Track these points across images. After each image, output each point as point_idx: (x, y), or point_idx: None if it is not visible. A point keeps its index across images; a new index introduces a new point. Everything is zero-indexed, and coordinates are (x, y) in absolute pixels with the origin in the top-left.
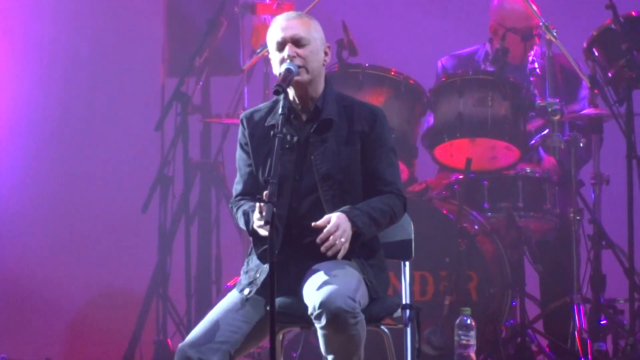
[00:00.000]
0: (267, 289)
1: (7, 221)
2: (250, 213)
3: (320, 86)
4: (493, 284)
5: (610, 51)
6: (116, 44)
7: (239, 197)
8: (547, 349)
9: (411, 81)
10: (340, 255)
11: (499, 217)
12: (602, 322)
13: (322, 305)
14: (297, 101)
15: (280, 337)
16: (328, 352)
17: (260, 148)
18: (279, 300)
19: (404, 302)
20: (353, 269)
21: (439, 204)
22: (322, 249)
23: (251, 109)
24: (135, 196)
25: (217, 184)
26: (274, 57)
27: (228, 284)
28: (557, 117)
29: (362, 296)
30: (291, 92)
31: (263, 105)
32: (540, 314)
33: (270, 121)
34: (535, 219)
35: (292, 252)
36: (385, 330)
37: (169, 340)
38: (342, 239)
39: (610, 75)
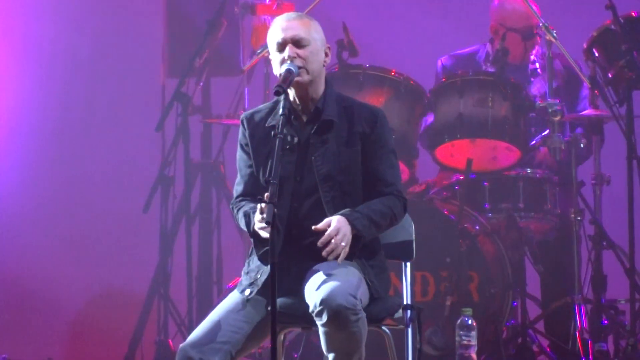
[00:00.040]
0: (268, 290)
1: (7, 221)
2: (251, 214)
3: (321, 87)
4: (494, 284)
5: (610, 52)
6: (116, 45)
7: (240, 198)
8: (548, 349)
9: (411, 82)
10: (340, 259)
11: (500, 218)
12: (603, 323)
13: (323, 302)
14: (298, 102)
15: (282, 337)
16: (329, 350)
17: (261, 149)
18: (280, 301)
19: (405, 303)
20: (354, 269)
21: (440, 205)
22: (324, 253)
23: (251, 110)
24: (136, 197)
25: (218, 185)
26: (275, 57)
27: (229, 285)
28: (557, 118)
29: (363, 294)
30: (291, 92)
31: (263, 106)
32: (541, 315)
33: (270, 122)
34: (536, 219)
35: (293, 252)
36: (387, 330)
37: (170, 340)
38: (343, 243)
39: (610, 76)
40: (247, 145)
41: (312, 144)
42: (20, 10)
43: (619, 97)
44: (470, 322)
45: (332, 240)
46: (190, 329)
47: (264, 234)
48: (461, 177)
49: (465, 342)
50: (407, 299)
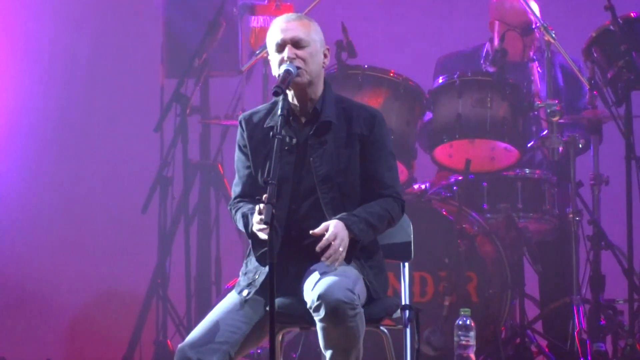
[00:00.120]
0: (266, 290)
1: (6, 221)
2: (249, 215)
3: (319, 88)
4: (492, 284)
5: (609, 52)
6: (115, 45)
7: (238, 199)
8: (547, 350)
9: (410, 82)
10: (337, 264)
11: (499, 218)
12: (601, 323)
13: (321, 297)
14: (296, 103)
15: (280, 337)
16: (327, 346)
17: (259, 150)
18: (278, 301)
19: (403, 303)
20: (352, 268)
21: (439, 205)
22: (322, 258)
23: (250, 111)
24: (135, 197)
25: (217, 185)
26: (273, 58)
27: (228, 285)
28: (556, 118)
29: (361, 291)
30: (290, 93)
31: (262, 107)
32: (539, 315)
33: (269, 123)
34: (535, 219)
35: (291, 253)
36: (385, 330)
37: (168, 341)
38: (340, 248)
39: (609, 76)
40: (245, 146)
41: (310, 145)
42: (20, 10)
43: (617, 98)
44: (468, 322)
45: (331, 246)
46: (188, 330)
47: (263, 235)
48: (460, 178)
49: (463, 342)
50: (405, 300)
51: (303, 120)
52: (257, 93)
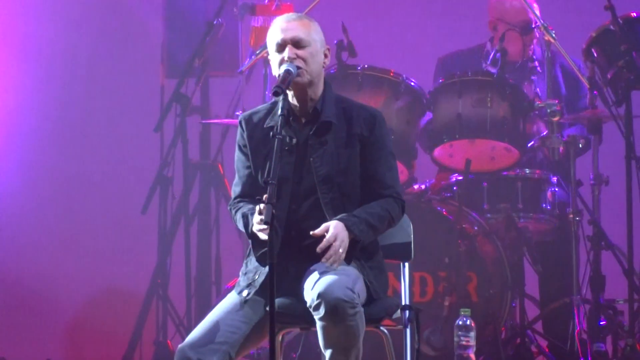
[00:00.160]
0: (266, 290)
1: (6, 221)
2: (249, 215)
3: (320, 88)
4: (493, 284)
5: (609, 52)
6: (115, 45)
7: (238, 199)
8: (547, 350)
9: (410, 82)
10: (336, 265)
11: (499, 218)
12: (601, 323)
13: (321, 295)
14: (296, 103)
15: (280, 337)
16: (327, 345)
17: (259, 150)
18: (278, 301)
19: (403, 303)
20: (352, 267)
21: (439, 205)
22: (323, 259)
23: (250, 111)
24: (135, 197)
25: (217, 185)
26: (274, 58)
27: (228, 285)
28: (556, 118)
29: (361, 290)
30: (290, 93)
31: (262, 107)
32: (539, 315)
33: (269, 123)
34: (535, 219)
35: (291, 253)
36: (385, 331)
37: (168, 341)
38: (340, 250)
39: (609, 76)
40: (245, 146)
41: (310, 145)
42: (19, 10)
43: (617, 98)
44: (468, 322)
45: (331, 247)
46: (188, 330)
47: (263, 236)
48: (460, 178)
49: (463, 342)
50: (405, 300)
51: (303, 120)
52: (257, 93)
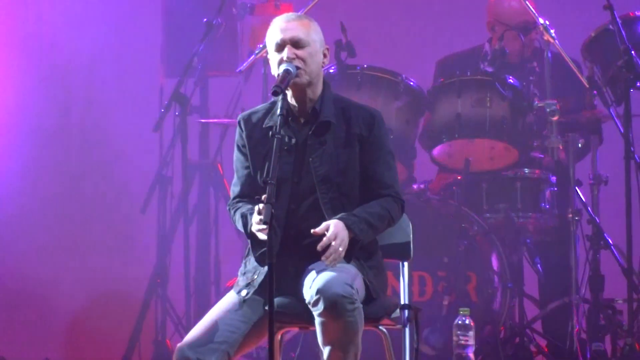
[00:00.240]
0: (265, 290)
1: (5, 222)
2: (248, 216)
3: (319, 88)
4: (492, 284)
5: (609, 52)
6: (114, 45)
7: (237, 199)
8: (546, 349)
9: (409, 82)
10: (335, 264)
11: (498, 218)
12: (600, 323)
13: (320, 291)
14: (295, 103)
15: (279, 337)
16: (325, 342)
17: (258, 150)
18: (277, 300)
19: (402, 303)
20: (351, 265)
21: (438, 205)
22: (323, 258)
23: (249, 111)
24: (134, 197)
25: (216, 185)
26: (273, 58)
27: (227, 284)
28: (555, 118)
29: (359, 287)
30: (289, 93)
31: (261, 107)
32: (539, 315)
33: (268, 123)
34: (534, 219)
35: (290, 253)
36: (384, 330)
37: (167, 340)
38: (340, 248)
39: (608, 76)
40: (244, 146)
41: (309, 145)
42: (19, 10)
43: (616, 97)
44: (467, 322)
45: (331, 245)
46: (188, 329)
47: (262, 236)
48: (459, 177)
49: (462, 342)
50: (404, 299)
51: (302, 120)
52: (256, 93)
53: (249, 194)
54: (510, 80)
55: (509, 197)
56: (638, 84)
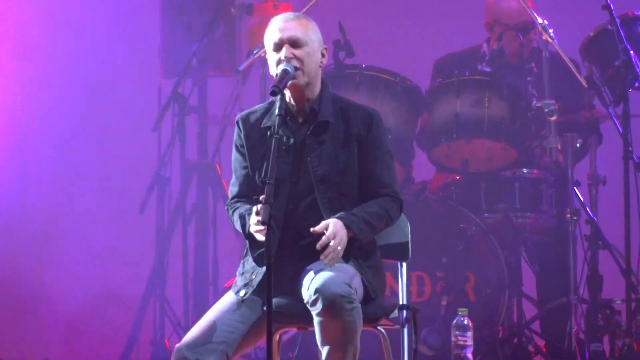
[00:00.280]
0: (263, 290)
1: (3, 221)
2: (247, 216)
3: (317, 88)
4: (490, 284)
5: (607, 52)
6: (113, 45)
7: (235, 199)
8: (544, 350)
9: (408, 82)
10: (333, 263)
11: (496, 218)
12: (599, 323)
13: (318, 291)
14: (293, 103)
15: (277, 337)
16: (324, 342)
17: (257, 150)
18: (275, 301)
19: (401, 303)
20: (349, 265)
21: (436, 205)
22: (322, 257)
23: (247, 111)
24: (133, 197)
25: (214, 185)
26: (271, 57)
27: (225, 285)
28: (553, 118)
29: (358, 286)
30: (287, 93)
31: (259, 107)
32: (537, 315)
33: (266, 122)
34: (532, 219)
35: (288, 253)
36: (382, 330)
37: (166, 340)
38: (339, 248)
39: (606, 75)
40: (242, 146)
41: (308, 145)
42: (17, 11)
43: (615, 97)
44: (466, 322)
45: (330, 244)
46: (186, 330)
47: (260, 237)
48: (457, 178)
49: (461, 342)
50: (403, 299)
51: (300, 120)
52: (254, 93)
53: (247, 194)
54: (509, 81)
55: (508, 197)
56: (636, 84)
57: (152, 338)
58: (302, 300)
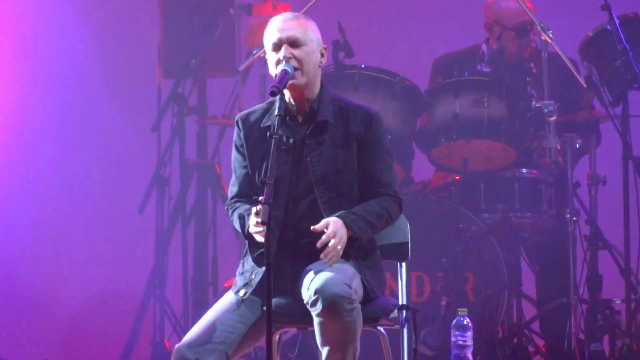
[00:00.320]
0: (262, 290)
1: (3, 222)
2: (246, 216)
3: (316, 88)
4: (489, 284)
5: (606, 52)
6: (112, 45)
7: (235, 199)
8: (544, 350)
9: (407, 82)
10: (332, 262)
11: (496, 218)
12: (598, 323)
13: (318, 291)
14: (293, 102)
15: (277, 337)
16: (324, 343)
17: (256, 150)
18: (275, 301)
19: (400, 303)
20: (349, 265)
21: (436, 205)
22: (322, 255)
23: (246, 111)
24: (132, 197)
25: (214, 185)
26: (270, 57)
27: (225, 285)
28: (553, 118)
29: (358, 287)
30: (287, 93)
31: (258, 107)
32: (536, 315)
33: (265, 122)
34: (532, 219)
35: (288, 253)
36: (382, 330)
37: (165, 341)
38: (339, 246)
39: (606, 76)
40: (242, 146)
41: (307, 144)
42: (16, 11)
43: (614, 97)
44: (465, 322)
45: (330, 242)
46: (186, 330)
47: (259, 238)
48: (457, 178)
49: (460, 342)
50: (402, 299)
51: (300, 119)
52: (254, 93)
53: (247, 194)
54: (508, 81)
55: (507, 197)
56: (636, 85)
57: (151, 338)
58: (302, 300)
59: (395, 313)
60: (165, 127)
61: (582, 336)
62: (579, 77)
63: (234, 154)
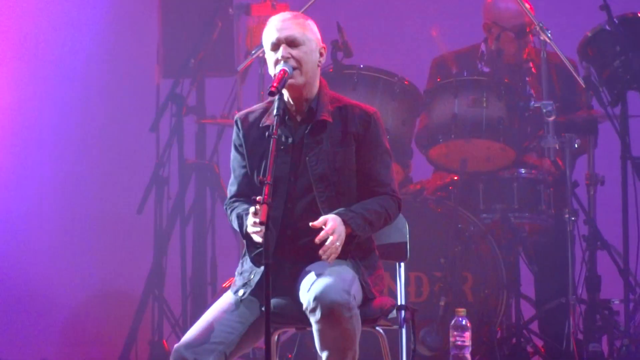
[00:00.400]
0: (261, 290)
1: (3, 222)
2: (244, 216)
3: (315, 87)
4: (488, 284)
5: (605, 52)
6: (111, 45)
7: (234, 199)
8: (543, 350)
9: (406, 82)
10: (331, 260)
11: (494, 218)
12: (597, 323)
13: (317, 298)
14: (292, 102)
15: (276, 337)
16: (323, 348)
17: (255, 149)
18: (273, 301)
19: (399, 303)
20: (348, 267)
21: (434, 205)
22: (320, 252)
23: (245, 110)
24: (131, 197)
25: (213, 185)
26: (269, 57)
27: (223, 285)
28: (551, 118)
29: (357, 291)
30: (286, 93)
31: (257, 107)
32: (535, 315)
33: (264, 122)
34: (531, 219)
35: (286, 253)
36: (381, 331)
37: (164, 341)
38: (337, 243)
39: (604, 76)
40: (241, 145)
41: (306, 144)
42: (15, 10)
43: (613, 98)
44: (464, 322)
45: (329, 239)
46: (184, 330)
47: (257, 238)
48: (455, 178)
49: (459, 342)
50: (401, 300)
51: (299, 119)
52: (253, 93)
53: (246, 194)
54: (507, 81)
55: (506, 197)
56: (634, 85)
57: (150, 338)
58: (300, 301)
59: (394, 313)
60: (164, 127)
61: (580, 336)
62: (577, 77)
63: (232, 153)
